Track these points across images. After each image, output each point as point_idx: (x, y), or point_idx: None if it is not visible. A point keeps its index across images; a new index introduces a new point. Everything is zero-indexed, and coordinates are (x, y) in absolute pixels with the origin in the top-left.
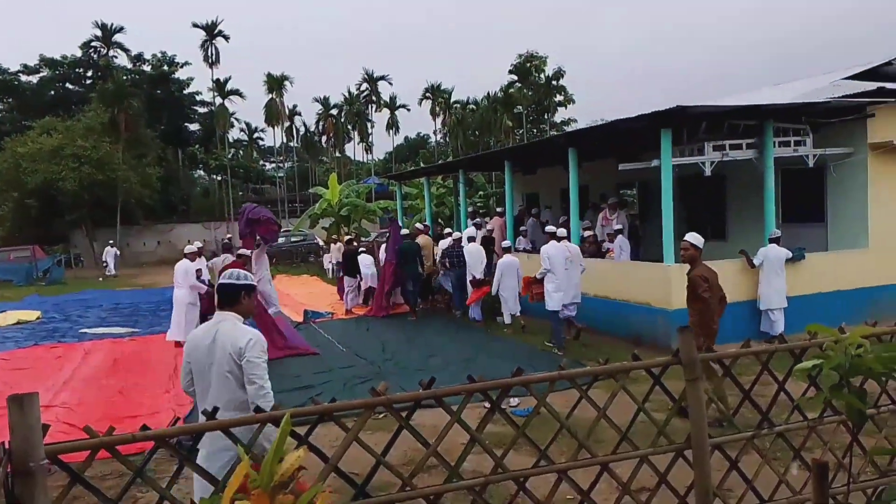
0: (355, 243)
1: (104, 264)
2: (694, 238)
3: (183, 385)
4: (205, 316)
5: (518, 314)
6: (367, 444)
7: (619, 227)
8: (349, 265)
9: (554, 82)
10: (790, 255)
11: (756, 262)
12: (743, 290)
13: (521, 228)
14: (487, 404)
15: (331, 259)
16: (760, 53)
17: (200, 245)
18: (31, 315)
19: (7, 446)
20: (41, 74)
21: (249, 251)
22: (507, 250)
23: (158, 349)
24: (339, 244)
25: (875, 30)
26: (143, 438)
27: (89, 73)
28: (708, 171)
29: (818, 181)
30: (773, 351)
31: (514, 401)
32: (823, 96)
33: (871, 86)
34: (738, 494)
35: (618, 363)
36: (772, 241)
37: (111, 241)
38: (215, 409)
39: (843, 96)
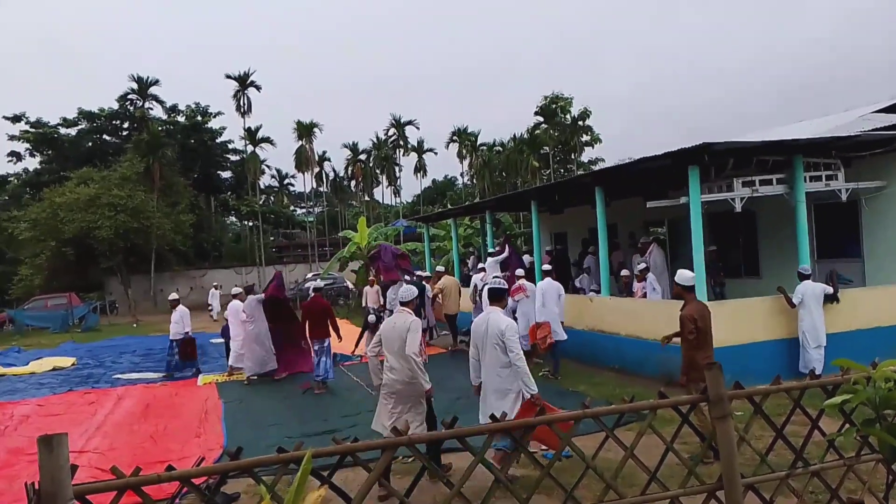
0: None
1: (209, 307)
2: (679, 277)
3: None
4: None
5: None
6: (388, 485)
7: (643, 265)
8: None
9: (580, 122)
10: (829, 289)
11: (795, 300)
12: (777, 329)
13: (585, 266)
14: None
15: (365, 303)
16: (774, 94)
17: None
18: (67, 361)
19: (36, 486)
20: (79, 127)
21: (397, 281)
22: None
23: (189, 394)
24: (375, 286)
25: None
26: (168, 479)
27: (125, 125)
28: (738, 206)
29: (852, 215)
30: (805, 388)
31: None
32: (853, 130)
33: None
34: None
35: (643, 401)
36: (802, 276)
37: (216, 284)
38: (239, 450)
39: (873, 130)
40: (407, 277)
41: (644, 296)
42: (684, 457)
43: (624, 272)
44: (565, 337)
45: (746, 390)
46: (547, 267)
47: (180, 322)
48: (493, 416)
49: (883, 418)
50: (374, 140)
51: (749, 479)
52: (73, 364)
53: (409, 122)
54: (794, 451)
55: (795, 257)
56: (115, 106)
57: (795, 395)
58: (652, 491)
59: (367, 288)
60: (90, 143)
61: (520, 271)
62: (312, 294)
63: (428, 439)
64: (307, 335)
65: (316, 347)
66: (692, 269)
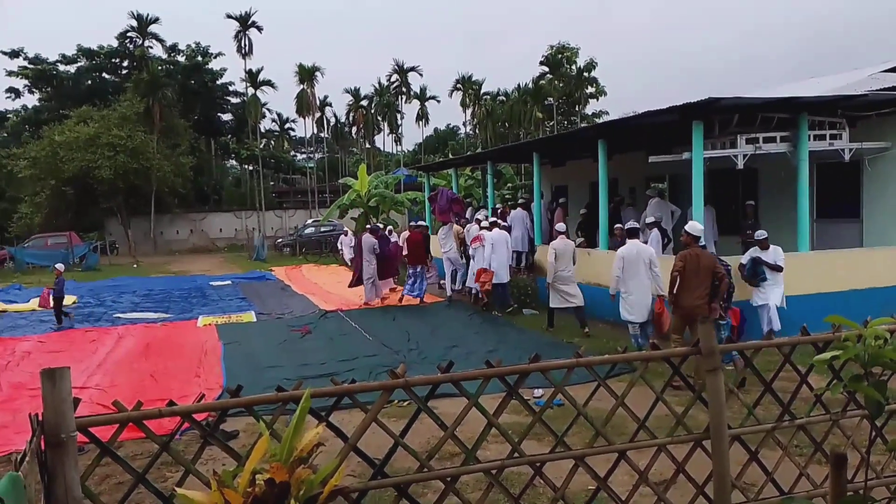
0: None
1: (340, 251)
2: (689, 226)
3: (616, 274)
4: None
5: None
6: (385, 426)
7: (651, 219)
8: (419, 252)
9: (585, 74)
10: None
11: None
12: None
13: (649, 220)
14: (506, 391)
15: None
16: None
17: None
18: (67, 300)
19: (40, 418)
20: (78, 64)
21: (448, 222)
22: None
23: (189, 335)
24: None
25: None
26: (169, 414)
27: (125, 63)
28: (740, 164)
29: (854, 176)
30: (796, 343)
31: (537, 392)
32: (861, 89)
33: None
34: (757, 487)
35: (635, 352)
36: (758, 243)
37: (345, 230)
38: (239, 388)
39: (880, 89)
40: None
41: None
42: (674, 408)
43: (617, 226)
44: (507, 279)
45: (738, 344)
46: (494, 220)
47: None
48: (487, 362)
49: (871, 374)
50: (377, 86)
51: (735, 430)
52: (73, 302)
53: (412, 69)
54: (781, 404)
55: (794, 216)
56: (115, 44)
57: (786, 351)
58: (640, 439)
59: (342, 237)
60: (89, 81)
61: (560, 226)
62: (414, 229)
63: (424, 382)
64: (407, 261)
65: (415, 271)
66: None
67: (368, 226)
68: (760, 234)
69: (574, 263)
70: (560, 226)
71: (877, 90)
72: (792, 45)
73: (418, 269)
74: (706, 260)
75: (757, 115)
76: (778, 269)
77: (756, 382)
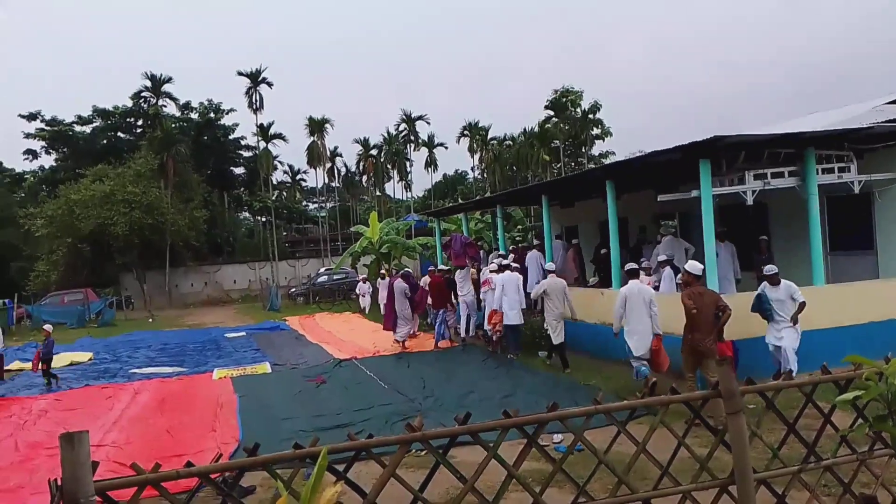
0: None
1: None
2: (689, 266)
3: (619, 313)
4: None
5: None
6: (404, 480)
7: (663, 257)
8: (442, 295)
9: (590, 116)
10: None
11: (802, 298)
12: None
13: (661, 258)
14: (525, 440)
15: (364, 293)
16: (791, 86)
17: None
18: (84, 356)
19: (59, 482)
20: (94, 124)
21: (464, 266)
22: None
23: (204, 388)
24: (387, 278)
25: None
26: (187, 475)
27: (139, 122)
28: (750, 199)
29: (865, 208)
30: (817, 383)
31: (557, 437)
32: (865, 122)
33: None
34: None
35: (655, 397)
36: (766, 278)
37: (363, 278)
38: (256, 446)
39: (886, 121)
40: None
41: (656, 288)
42: (696, 452)
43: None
44: (518, 322)
45: (758, 386)
46: (505, 262)
47: None
48: (505, 412)
49: (894, 414)
50: (385, 135)
51: (761, 473)
52: (90, 359)
53: (420, 117)
54: (805, 445)
55: (807, 250)
56: (129, 103)
57: (807, 391)
58: (664, 486)
59: (379, 280)
60: (105, 141)
61: (550, 266)
62: (436, 273)
63: (442, 435)
64: (431, 305)
65: (437, 314)
66: (703, 260)
67: (400, 271)
68: (770, 269)
69: (566, 301)
70: (550, 265)
71: (882, 122)
72: (787, 75)
73: (440, 312)
74: (709, 297)
75: (763, 150)
76: (799, 306)
77: (776, 420)
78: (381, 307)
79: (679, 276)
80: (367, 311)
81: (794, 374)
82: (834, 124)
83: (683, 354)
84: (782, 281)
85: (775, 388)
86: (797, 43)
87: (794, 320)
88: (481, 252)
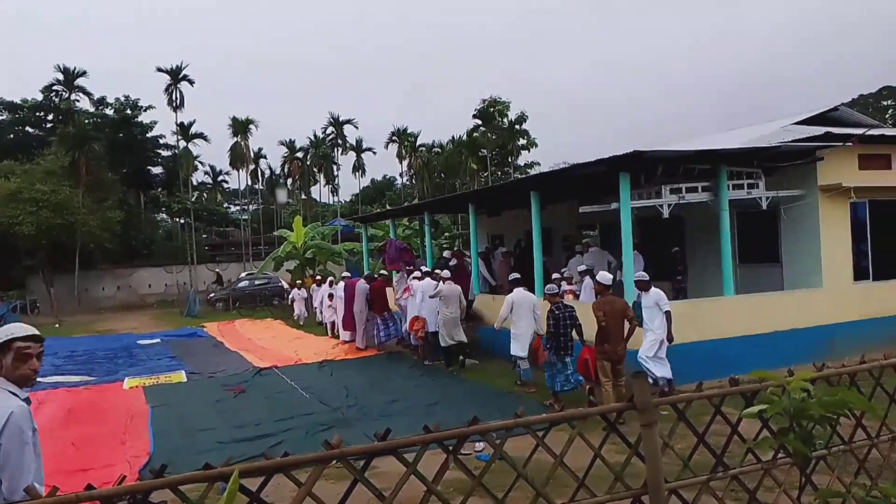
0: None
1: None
2: (599, 277)
3: (504, 316)
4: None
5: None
6: (320, 499)
7: (583, 268)
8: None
9: (517, 126)
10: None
11: (668, 307)
12: (704, 330)
13: (581, 269)
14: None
15: (293, 298)
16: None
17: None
18: None
19: None
20: (0, 118)
21: (398, 271)
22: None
23: (115, 398)
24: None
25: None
26: (87, 499)
27: (50, 117)
28: (666, 213)
29: (772, 223)
30: (725, 395)
31: (479, 445)
32: (774, 141)
33: (819, 130)
34: None
35: (573, 410)
36: (638, 284)
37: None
38: (163, 467)
39: (792, 141)
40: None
41: (576, 297)
42: (612, 461)
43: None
44: (435, 329)
45: (670, 398)
46: (426, 269)
47: None
48: (426, 427)
49: (797, 427)
50: (312, 138)
51: (672, 483)
52: None
53: (348, 121)
54: (714, 455)
55: (719, 261)
56: (40, 97)
57: (717, 402)
58: (580, 497)
59: (314, 287)
60: (11, 136)
61: (445, 273)
62: (377, 278)
63: (361, 452)
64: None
65: (382, 318)
66: (624, 269)
67: (357, 275)
68: (640, 275)
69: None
70: (445, 273)
71: (789, 142)
72: (717, 98)
73: (385, 315)
74: (619, 304)
75: (679, 166)
76: (666, 316)
77: (686, 428)
78: (318, 313)
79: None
80: (301, 320)
81: (649, 380)
82: (746, 143)
83: (599, 362)
84: (652, 288)
85: (686, 399)
86: (729, 66)
87: (669, 336)
88: (418, 259)
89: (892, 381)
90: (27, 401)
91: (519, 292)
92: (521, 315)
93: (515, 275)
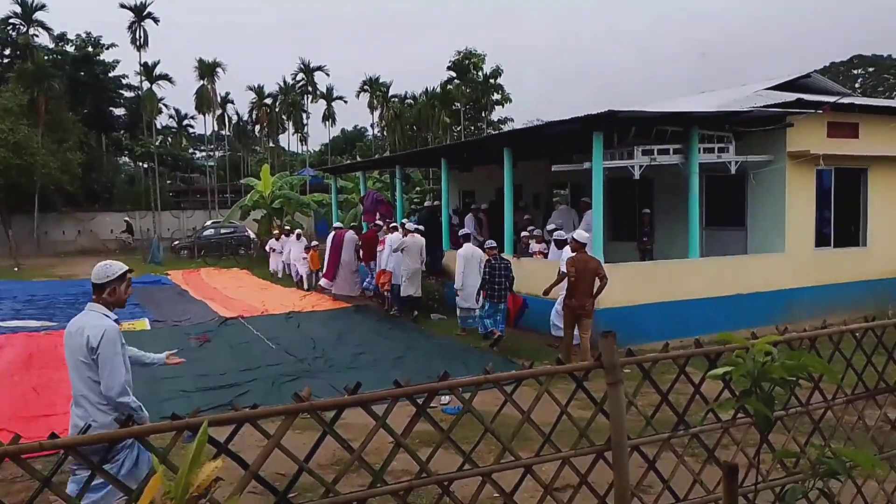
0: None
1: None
2: (576, 234)
3: (459, 271)
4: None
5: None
6: (289, 451)
7: (552, 226)
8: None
9: (491, 80)
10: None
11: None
12: (667, 291)
13: (550, 227)
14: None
15: (273, 248)
16: (684, 57)
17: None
18: None
19: None
20: None
21: (381, 223)
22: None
23: None
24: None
25: (795, 38)
26: (51, 447)
27: (6, 52)
28: (637, 174)
29: (740, 187)
30: (690, 356)
31: (444, 398)
32: (746, 105)
33: (791, 97)
34: (655, 493)
35: (542, 367)
36: (560, 243)
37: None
38: (129, 417)
39: (764, 106)
40: (382, 222)
41: (545, 256)
42: (579, 418)
43: (524, 233)
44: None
45: (636, 357)
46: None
47: None
48: (396, 382)
49: (759, 389)
50: (281, 84)
51: (634, 440)
52: None
53: (319, 68)
54: (676, 414)
55: (686, 224)
56: None
57: (681, 363)
58: (545, 452)
59: (283, 238)
60: None
61: (410, 224)
62: (371, 228)
63: (330, 406)
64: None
65: (370, 267)
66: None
67: (349, 225)
68: (558, 234)
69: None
70: (410, 225)
71: (760, 106)
72: (690, 63)
73: (372, 265)
74: (592, 263)
75: (653, 127)
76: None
77: (650, 387)
78: (285, 267)
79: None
80: (279, 274)
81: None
82: (719, 106)
83: (565, 312)
84: (565, 249)
85: (652, 360)
86: (706, 18)
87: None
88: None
89: (849, 347)
90: (117, 321)
91: (468, 247)
92: (470, 270)
93: (465, 230)
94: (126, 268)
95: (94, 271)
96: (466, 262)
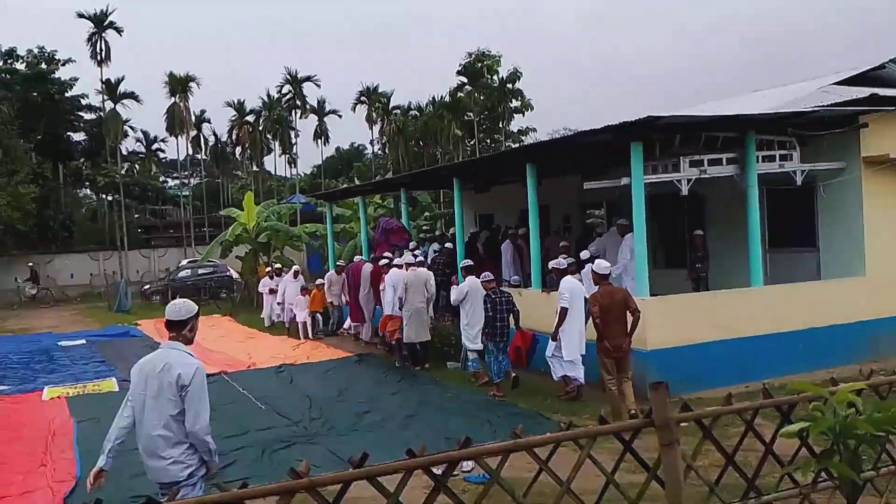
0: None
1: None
2: (595, 266)
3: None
4: None
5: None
6: None
7: (586, 254)
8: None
9: (509, 85)
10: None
11: (563, 303)
12: (724, 328)
13: (584, 255)
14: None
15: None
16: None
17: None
18: None
19: None
20: None
21: (390, 255)
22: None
23: (32, 411)
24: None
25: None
26: None
27: None
28: (684, 189)
29: (808, 201)
30: (759, 408)
31: (467, 465)
32: (810, 104)
33: (863, 92)
34: None
35: (582, 428)
36: (569, 271)
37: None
38: (98, 501)
39: (831, 104)
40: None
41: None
42: (627, 483)
43: (553, 263)
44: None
45: (694, 413)
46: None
47: None
48: (410, 451)
49: (843, 447)
50: (265, 98)
51: None
52: None
53: (308, 78)
54: (745, 479)
55: (745, 246)
56: None
57: (748, 417)
58: None
59: (265, 280)
60: None
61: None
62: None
63: (333, 481)
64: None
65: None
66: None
67: (362, 258)
68: (557, 262)
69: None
70: (408, 258)
71: (828, 105)
72: (734, 47)
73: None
74: (618, 295)
75: (700, 134)
76: (561, 311)
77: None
78: (274, 311)
79: None
80: (272, 320)
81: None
82: (778, 106)
83: (600, 357)
84: (564, 280)
85: (713, 414)
86: (746, 9)
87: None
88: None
89: None
90: None
91: (472, 280)
92: (473, 304)
93: (468, 262)
94: (197, 308)
95: (169, 310)
96: (470, 296)
